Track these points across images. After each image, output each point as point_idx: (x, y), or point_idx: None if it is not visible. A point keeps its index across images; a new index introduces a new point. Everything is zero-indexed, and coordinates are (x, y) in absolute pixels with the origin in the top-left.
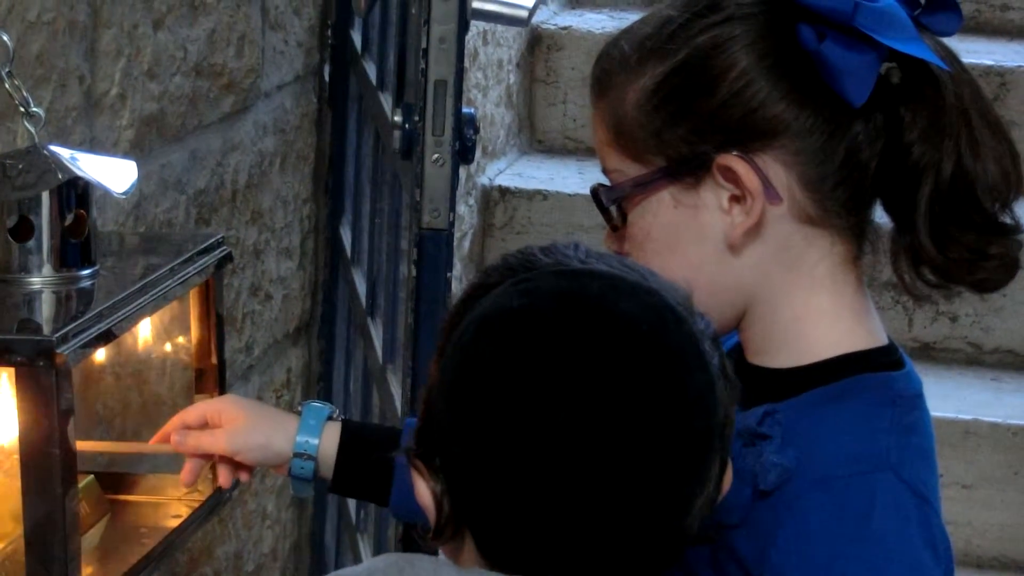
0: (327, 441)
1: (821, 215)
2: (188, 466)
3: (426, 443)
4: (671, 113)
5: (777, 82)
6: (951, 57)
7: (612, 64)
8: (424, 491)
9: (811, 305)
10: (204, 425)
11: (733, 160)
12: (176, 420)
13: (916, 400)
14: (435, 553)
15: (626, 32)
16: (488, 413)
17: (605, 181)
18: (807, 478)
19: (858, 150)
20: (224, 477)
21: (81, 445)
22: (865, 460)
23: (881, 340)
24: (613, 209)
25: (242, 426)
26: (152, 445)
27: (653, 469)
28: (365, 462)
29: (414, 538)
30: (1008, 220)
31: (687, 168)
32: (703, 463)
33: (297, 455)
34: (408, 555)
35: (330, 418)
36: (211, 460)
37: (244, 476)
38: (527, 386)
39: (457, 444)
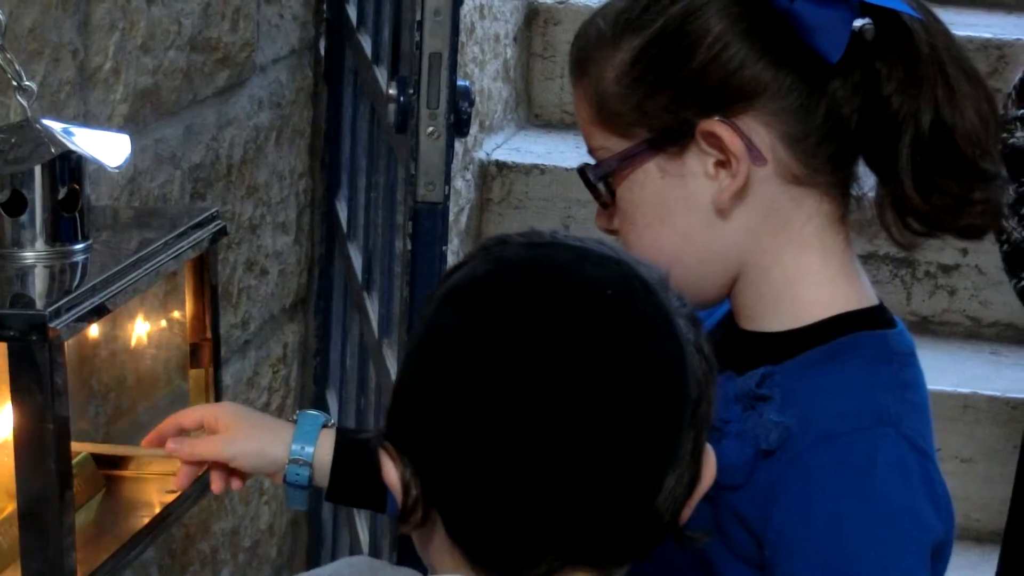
0: (322, 449)
1: (806, 173)
2: (183, 470)
3: (394, 423)
4: (651, 84)
5: (753, 44)
6: (923, 8)
7: (589, 42)
8: (392, 473)
9: (801, 266)
10: (200, 429)
11: (715, 125)
12: (171, 422)
13: (911, 358)
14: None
15: (601, 10)
16: (450, 381)
17: (591, 161)
18: (808, 436)
19: (838, 106)
20: (217, 484)
21: (75, 447)
22: (865, 416)
23: (872, 300)
24: (601, 186)
25: (238, 433)
26: (145, 448)
27: (619, 436)
28: (361, 469)
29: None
30: (989, 166)
31: (671, 137)
32: (673, 436)
33: (293, 461)
34: (374, 562)
35: (325, 426)
36: (205, 466)
37: (236, 484)
38: (489, 352)
39: (421, 417)
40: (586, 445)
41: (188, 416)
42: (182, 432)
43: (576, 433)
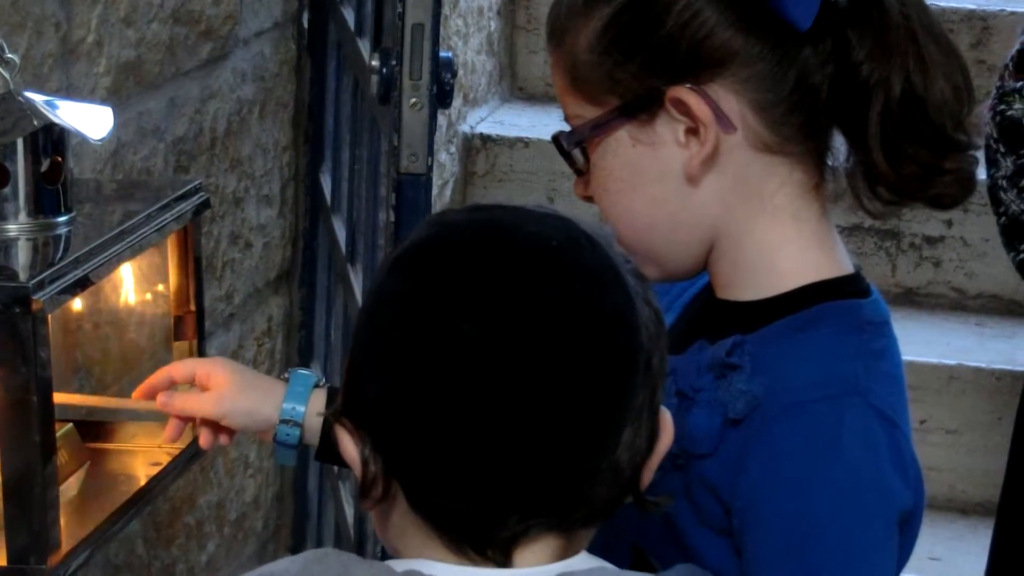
0: (313, 408)
1: (777, 142)
2: (172, 423)
3: (350, 396)
4: (621, 51)
5: (723, 11)
6: None
7: (563, 12)
8: (351, 448)
9: (774, 235)
10: (191, 384)
11: (684, 92)
12: (163, 374)
13: (884, 327)
14: None
15: None
16: (401, 346)
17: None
18: (776, 405)
19: (808, 74)
20: (205, 439)
21: (64, 398)
22: (833, 385)
23: (847, 268)
24: (576, 154)
25: (230, 390)
26: (135, 401)
27: (574, 386)
28: None
29: None
30: (961, 136)
31: (640, 105)
32: (627, 386)
33: (283, 421)
34: (343, 555)
35: (317, 386)
36: (194, 420)
37: (225, 440)
38: (438, 312)
39: (375, 386)
40: (541, 397)
41: (180, 369)
42: (173, 385)
43: (530, 385)
